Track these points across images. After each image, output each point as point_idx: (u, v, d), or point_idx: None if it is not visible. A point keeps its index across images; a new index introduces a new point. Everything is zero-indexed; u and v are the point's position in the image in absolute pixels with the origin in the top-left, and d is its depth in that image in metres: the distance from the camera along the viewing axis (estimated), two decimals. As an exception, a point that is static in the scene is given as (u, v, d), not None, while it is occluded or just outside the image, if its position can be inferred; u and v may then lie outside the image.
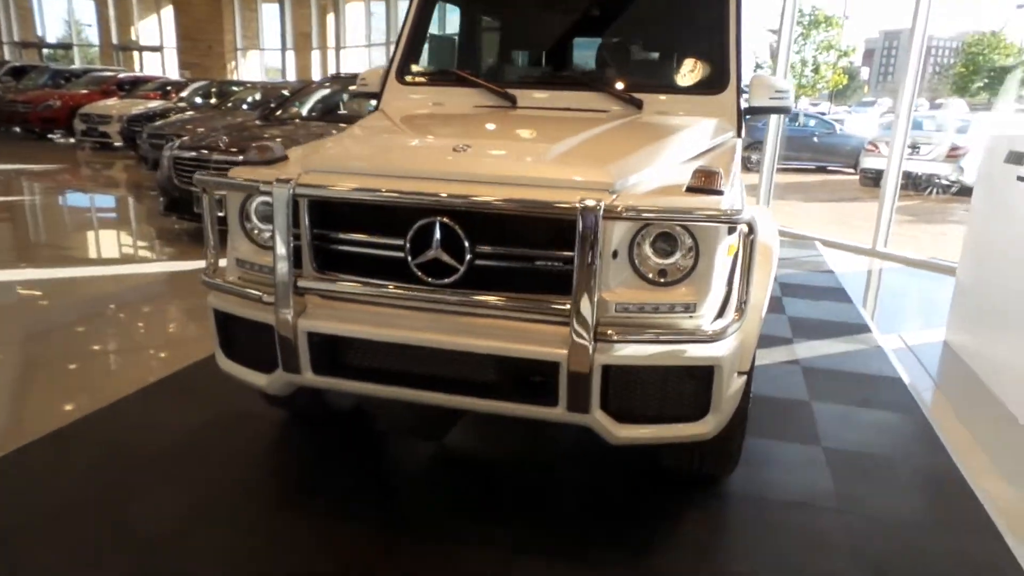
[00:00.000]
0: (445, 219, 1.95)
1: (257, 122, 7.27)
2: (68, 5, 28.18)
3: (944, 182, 11.26)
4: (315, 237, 2.09)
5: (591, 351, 1.85)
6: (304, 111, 7.68)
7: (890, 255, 6.33)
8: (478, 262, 1.97)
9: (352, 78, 9.00)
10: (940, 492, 2.53)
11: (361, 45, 20.34)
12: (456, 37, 3.69)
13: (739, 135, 2.87)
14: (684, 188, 1.97)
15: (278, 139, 6.22)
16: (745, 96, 2.98)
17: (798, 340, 4.06)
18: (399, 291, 2.00)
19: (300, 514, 2.26)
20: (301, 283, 2.06)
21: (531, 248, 1.96)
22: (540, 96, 3.00)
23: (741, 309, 1.92)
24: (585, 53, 3.53)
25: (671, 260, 1.94)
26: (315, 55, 21.52)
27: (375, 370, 2.08)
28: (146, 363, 3.52)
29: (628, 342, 1.87)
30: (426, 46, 3.40)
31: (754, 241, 1.88)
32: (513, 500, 2.37)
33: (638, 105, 2.88)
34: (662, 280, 1.94)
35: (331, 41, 21.13)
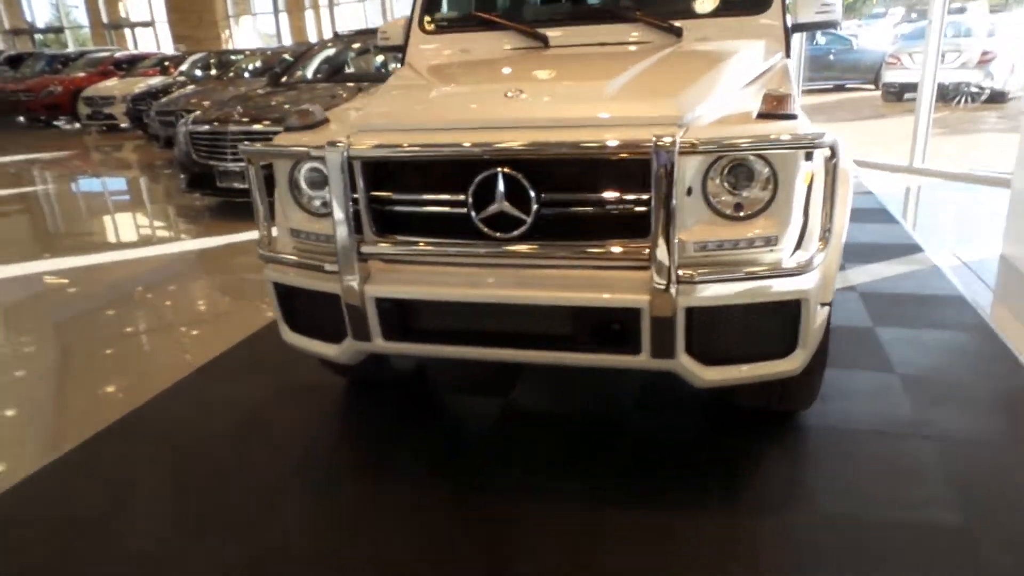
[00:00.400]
0: (507, 169, 1.87)
1: (266, 89, 7.13)
2: (54, -13, 27.65)
3: (974, 90, 10.88)
4: (373, 200, 2.02)
5: (674, 294, 1.78)
6: (309, 74, 7.53)
7: (930, 171, 6.14)
8: (545, 211, 1.89)
9: (354, 36, 8.82)
10: (1021, 410, 2.47)
11: (354, 0, 19.84)
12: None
13: (788, 55, 2.73)
14: (755, 115, 1.86)
15: (286, 105, 6.10)
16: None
17: (850, 265, 3.96)
18: (466, 248, 1.93)
19: (377, 480, 2.24)
20: (364, 249, 1.99)
21: (601, 192, 1.87)
22: (572, 32, 2.87)
23: (825, 238, 1.84)
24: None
25: (748, 192, 1.85)
26: (308, 15, 21.03)
27: (448, 331, 2.03)
28: (197, 343, 3.51)
29: (711, 282, 1.79)
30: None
31: (836, 166, 1.78)
32: (589, 453, 2.34)
33: (677, 33, 2.75)
34: (740, 214, 1.85)
35: (323, 0, 20.62)
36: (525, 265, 1.93)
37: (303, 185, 2.15)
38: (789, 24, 2.79)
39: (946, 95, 10.74)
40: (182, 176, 6.24)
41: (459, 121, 1.95)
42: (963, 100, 10.90)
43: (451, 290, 1.94)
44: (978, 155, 7.41)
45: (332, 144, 1.91)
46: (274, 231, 2.24)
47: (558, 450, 2.37)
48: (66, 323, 3.89)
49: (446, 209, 1.97)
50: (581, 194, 1.88)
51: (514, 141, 1.81)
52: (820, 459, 2.24)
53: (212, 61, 13.70)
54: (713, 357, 1.89)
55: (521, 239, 1.91)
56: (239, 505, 2.15)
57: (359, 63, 7.88)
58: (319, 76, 7.50)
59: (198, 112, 6.35)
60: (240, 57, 12.67)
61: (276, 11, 21.82)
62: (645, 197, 1.82)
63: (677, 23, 2.76)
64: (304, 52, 8.12)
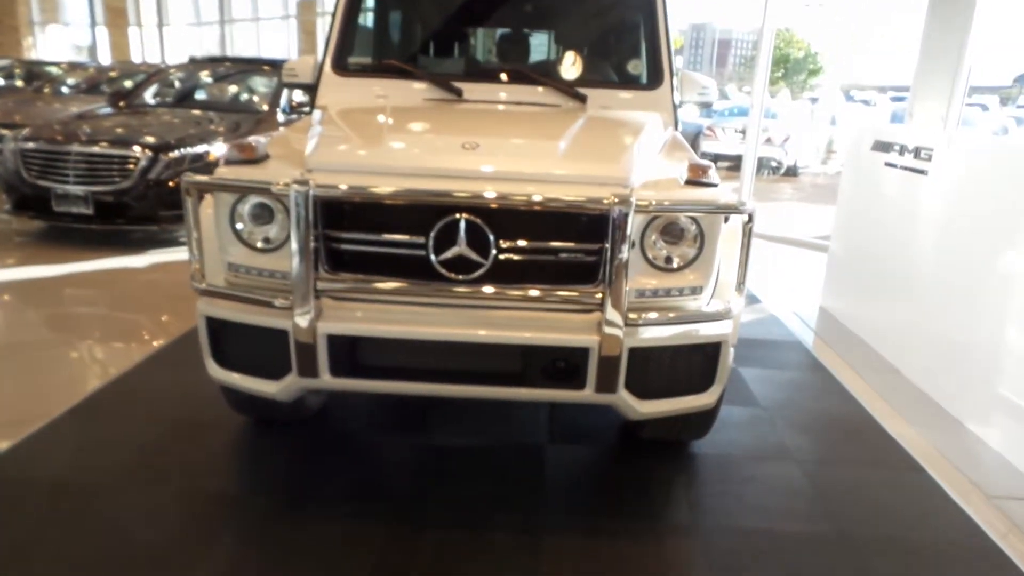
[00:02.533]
0: (469, 216, 1.99)
1: (109, 109, 6.60)
2: None
3: (774, 164, 12.63)
4: (329, 238, 2.04)
5: (621, 336, 1.98)
6: (149, 97, 7.09)
7: (756, 233, 7.01)
8: (502, 256, 2.03)
9: (211, 61, 8.43)
10: (862, 435, 2.96)
11: (191, 23, 18.80)
12: (380, 26, 3.64)
13: (676, 128, 3.11)
14: (682, 180, 2.15)
15: (132, 128, 5.73)
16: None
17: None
18: (423, 287, 2.01)
19: (304, 520, 2.20)
20: (319, 285, 2.00)
21: (555, 241, 2.05)
22: (484, 89, 3.07)
23: (740, 289, 2.15)
24: (517, 48, 3.63)
25: (679, 248, 2.11)
26: (132, 32, 19.57)
27: (399, 368, 2.08)
28: (59, 383, 3.17)
29: (652, 325, 2.02)
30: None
31: (751, 228, 2.11)
32: (512, 484, 2.46)
33: (582, 100, 3.04)
34: (672, 266, 2.11)
35: (149, 17, 19.33)
36: (480, 306, 2.05)
37: (246, 220, 2.12)
38: (677, 101, 3.19)
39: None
40: (6, 196, 5.57)
41: (422, 168, 2.04)
42: (767, 172, 12.60)
43: (410, 328, 2.01)
44: (783, 221, 8.58)
45: (299, 182, 1.92)
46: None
47: (482, 482, 2.46)
48: None
49: (404, 250, 2.05)
50: (537, 242, 2.04)
51: (482, 191, 1.94)
52: (723, 481, 2.53)
53: (17, 71, 12.34)
54: (648, 392, 2.11)
55: (478, 281, 2.03)
56: (153, 557, 2.01)
57: (211, 91, 7.55)
58: (163, 100, 7.08)
59: (28, 129, 5.73)
60: (57, 70, 11.52)
61: (93, 23, 20.08)
62: (596, 247, 2.03)
63: (581, 90, 3.05)
64: (153, 74, 7.62)
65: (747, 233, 2.10)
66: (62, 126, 5.74)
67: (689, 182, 2.14)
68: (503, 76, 3.13)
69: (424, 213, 2.00)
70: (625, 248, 1.94)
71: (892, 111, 13.56)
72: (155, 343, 3.64)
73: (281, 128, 5.98)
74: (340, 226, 2.05)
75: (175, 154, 5.45)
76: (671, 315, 2.05)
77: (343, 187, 1.95)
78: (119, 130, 5.70)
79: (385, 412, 2.93)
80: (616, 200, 1.92)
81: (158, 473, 2.42)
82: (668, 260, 2.11)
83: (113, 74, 10.66)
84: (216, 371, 2.18)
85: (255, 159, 2.14)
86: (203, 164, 5.49)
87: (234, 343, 2.14)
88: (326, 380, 2.05)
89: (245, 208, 2.11)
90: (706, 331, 2.10)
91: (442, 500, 2.35)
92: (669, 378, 2.14)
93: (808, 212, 9.86)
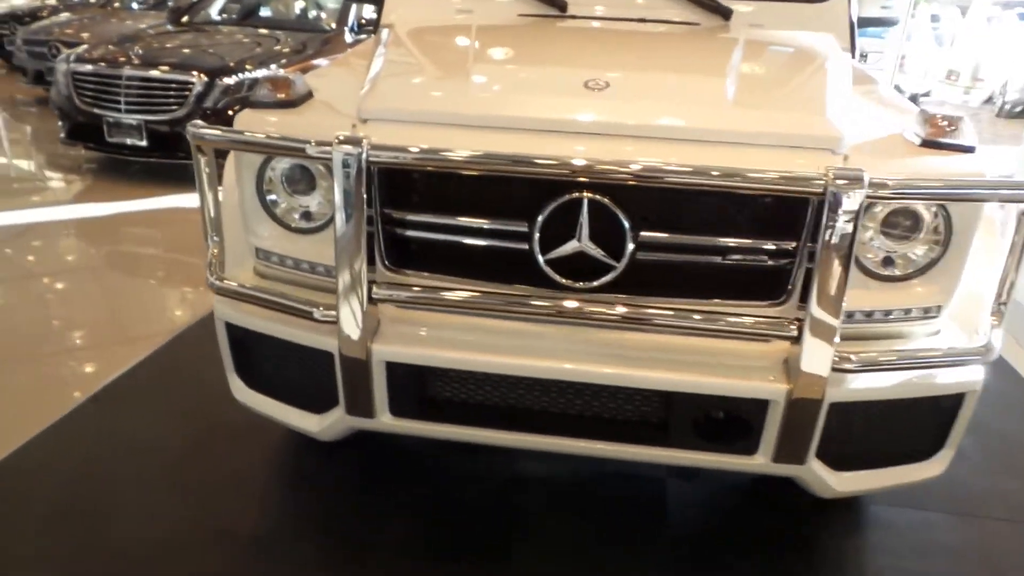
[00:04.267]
0: (596, 195, 1.32)
1: (166, 28, 6.07)
2: None
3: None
4: (390, 220, 1.42)
5: (826, 384, 1.31)
6: (215, 14, 6.53)
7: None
8: (642, 256, 1.36)
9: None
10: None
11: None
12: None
13: (855, 56, 2.30)
14: (918, 141, 1.41)
15: (187, 49, 5.18)
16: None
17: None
18: (525, 298, 1.37)
19: (365, 562, 1.67)
20: (375, 291, 1.39)
21: (723, 235, 1.36)
22: (598, 1, 2.32)
23: (1000, 312, 1.41)
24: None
25: (908, 247, 1.39)
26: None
27: (484, 411, 1.48)
28: (90, 356, 2.74)
29: (871, 369, 1.33)
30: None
31: (1028, 219, 1.36)
32: (627, 529, 1.87)
33: (725, 15, 2.26)
34: (893, 274, 1.40)
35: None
36: (605, 325, 1.39)
37: (279, 188, 1.51)
38: (854, 18, 2.36)
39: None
40: (60, 123, 5.17)
41: (526, 119, 1.37)
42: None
43: (504, 359, 1.39)
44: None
45: (347, 141, 1.29)
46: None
47: (583, 527, 1.88)
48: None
49: (498, 242, 1.40)
50: (695, 236, 1.36)
51: (621, 155, 1.27)
52: (913, 552, 1.86)
53: (91, -15, 11.97)
54: (848, 461, 1.45)
55: (605, 290, 1.37)
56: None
57: (277, 6, 6.93)
58: (229, 17, 6.51)
59: (83, 48, 5.27)
60: (127, -16, 11.09)
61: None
62: (787, 246, 1.33)
63: (725, 2, 2.26)
64: (212, -13, 7.02)
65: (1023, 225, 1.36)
66: (114, 46, 5.24)
67: (928, 143, 1.39)
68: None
69: (528, 188, 1.35)
70: (845, 249, 1.24)
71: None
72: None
73: (349, 51, 5.35)
74: (406, 204, 1.43)
75: (232, 80, 4.89)
76: (897, 354, 1.35)
77: (412, 150, 1.30)
78: (172, 52, 5.17)
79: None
80: (835, 177, 1.21)
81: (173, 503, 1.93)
82: (889, 264, 1.40)
83: (182, -12, 10.15)
84: (242, 393, 1.63)
85: (291, 101, 1.51)
86: (263, 91, 4.91)
87: (265, 360, 1.57)
88: (385, 421, 1.48)
89: (277, 171, 1.50)
90: (949, 379, 1.39)
91: (536, 546, 1.78)
92: (880, 441, 1.46)
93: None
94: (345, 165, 1.29)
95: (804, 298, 1.30)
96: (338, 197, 1.31)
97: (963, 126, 1.40)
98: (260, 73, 5.03)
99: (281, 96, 1.51)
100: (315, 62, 5.37)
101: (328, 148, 1.29)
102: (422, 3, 2.37)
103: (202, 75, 4.80)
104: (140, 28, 6.37)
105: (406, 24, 2.12)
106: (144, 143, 4.84)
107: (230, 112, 4.80)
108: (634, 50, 1.82)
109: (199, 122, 1.43)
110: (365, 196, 1.32)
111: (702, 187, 1.27)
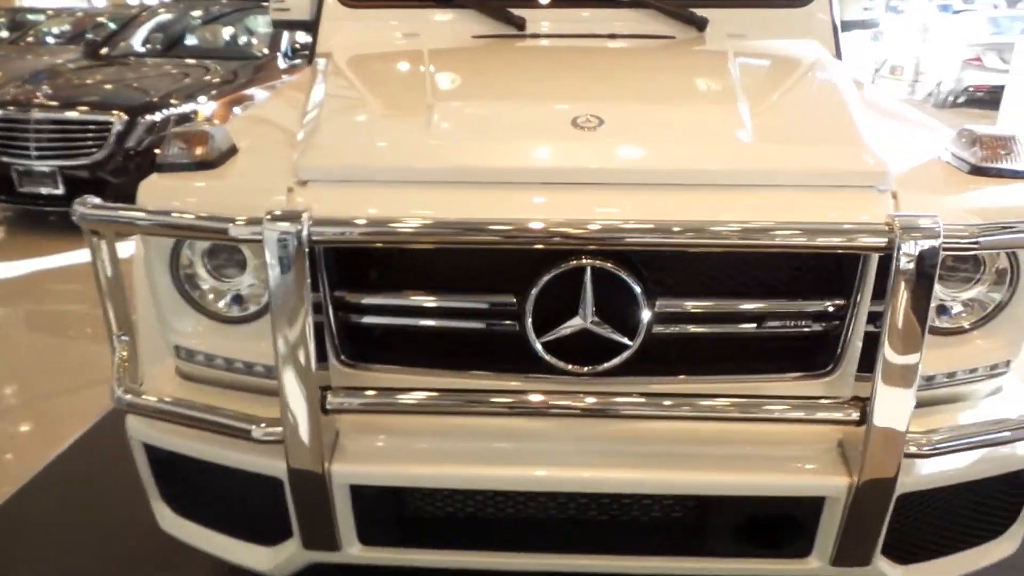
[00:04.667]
0: (603, 262, 1.06)
1: (81, 62, 5.64)
2: None
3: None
4: (343, 307, 1.13)
5: (897, 472, 1.07)
6: (137, 45, 6.12)
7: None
8: (660, 329, 1.11)
9: None
10: None
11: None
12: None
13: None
14: (967, 168, 1.19)
15: (108, 85, 4.78)
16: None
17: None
18: (522, 392, 1.10)
19: None
20: (330, 398, 1.10)
21: (758, 297, 1.12)
22: (554, 16, 2.08)
23: (1076, 363, 1.20)
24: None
25: (968, 294, 1.17)
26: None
27: (477, 530, 1.20)
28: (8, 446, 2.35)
29: (947, 450, 1.09)
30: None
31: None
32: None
33: (700, 26, 2.04)
34: (954, 326, 1.18)
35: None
36: (618, 415, 1.13)
37: (202, 267, 1.21)
38: (838, 21, 2.18)
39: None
40: (-36, 175, 4.70)
41: (507, 170, 1.11)
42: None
43: (497, 471, 1.11)
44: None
45: (280, 216, 1.00)
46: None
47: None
48: None
49: (479, 324, 1.13)
50: (724, 300, 1.11)
51: (630, 209, 1.02)
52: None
53: (2, 20, 11.31)
54: (914, 553, 1.21)
55: (616, 374, 1.11)
56: None
57: (204, 34, 6.54)
58: (153, 48, 6.10)
59: (-16, 89, 4.82)
60: (40, 18, 10.50)
61: (85, -36, 18.75)
62: (836, 305, 1.10)
63: (698, 11, 2.05)
64: (132, 18, 6.61)
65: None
66: (22, 86, 4.80)
67: (978, 169, 1.18)
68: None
69: (517, 256, 1.08)
70: (920, 312, 1.00)
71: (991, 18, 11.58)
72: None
73: (283, 82, 5.00)
74: (363, 284, 1.14)
75: (157, 116, 4.51)
76: (977, 429, 1.12)
77: (361, 223, 1.02)
78: (89, 88, 4.75)
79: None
80: (903, 227, 0.97)
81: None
82: (943, 313, 1.18)
83: (102, 19, 9.64)
84: (171, 523, 1.31)
85: (210, 161, 1.21)
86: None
87: (197, 486, 1.26)
88: (354, 553, 1.18)
89: (197, 247, 1.20)
90: (1020, 450, 1.17)
91: None
92: (949, 525, 1.23)
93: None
94: (282, 246, 1.00)
95: (864, 367, 1.07)
96: (273, 285, 1.02)
97: (1017, 147, 1.19)
98: (188, 108, 4.67)
99: (198, 154, 1.21)
100: (247, 91, 5.04)
101: (258, 228, 1.00)
102: (362, 28, 2.09)
103: (122, 113, 4.41)
104: (55, 64, 5.92)
105: (346, 52, 1.83)
106: (60, 191, 4.40)
107: (155, 151, 4.42)
108: (619, 75, 1.57)
109: (89, 198, 1.12)
110: (309, 280, 1.03)
111: (743, 249, 1.02)
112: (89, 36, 8.26)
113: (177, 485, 1.27)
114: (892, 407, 1.02)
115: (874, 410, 1.03)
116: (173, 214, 1.06)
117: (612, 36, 2.01)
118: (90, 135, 4.41)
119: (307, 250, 1.00)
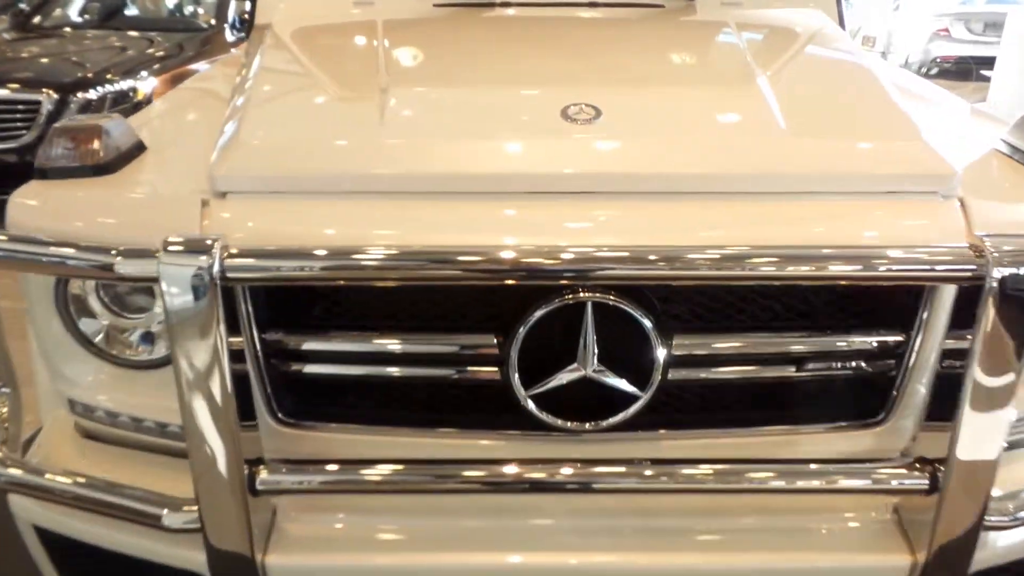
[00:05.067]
0: (604, 295, 0.83)
1: (10, 34, 5.19)
2: None
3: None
4: (277, 352, 0.89)
5: (975, 548, 0.87)
6: (74, 15, 5.70)
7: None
8: (676, 374, 0.89)
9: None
10: None
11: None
12: None
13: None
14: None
15: (39, 59, 4.41)
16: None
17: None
18: (507, 463, 0.88)
19: None
20: (263, 477, 0.86)
21: (795, 331, 0.90)
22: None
23: None
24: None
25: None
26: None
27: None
28: None
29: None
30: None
31: None
32: None
33: (688, -7, 1.81)
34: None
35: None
36: (624, 487, 0.91)
37: (96, 302, 0.95)
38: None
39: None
40: None
41: (482, 177, 0.87)
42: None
43: (478, 557, 0.89)
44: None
45: (182, 247, 0.74)
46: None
47: None
48: None
49: (452, 372, 0.90)
50: (753, 337, 0.90)
51: (639, 224, 0.81)
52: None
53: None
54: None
55: (623, 429, 0.89)
56: None
57: (146, 3, 6.13)
58: (88, 18, 5.67)
59: None
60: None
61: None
62: (895, 341, 0.89)
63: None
64: (65, -16, 6.12)
65: None
66: (-63, 62, 4.37)
67: None
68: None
69: (499, 289, 0.85)
70: (1011, 351, 0.80)
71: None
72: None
73: (217, 61, 4.64)
74: (302, 322, 0.90)
75: (93, 94, 4.13)
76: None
77: (290, 255, 0.77)
78: (15, 64, 4.36)
79: None
80: (998, 251, 0.76)
81: None
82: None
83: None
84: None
85: (104, 164, 0.94)
86: (131, 105, 4.19)
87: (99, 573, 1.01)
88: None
89: (88, 284, 0.94)
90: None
91: None
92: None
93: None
94: (184, 288, 0.74)
95: (934, 416, 0.87)
96: (175, 334, 0.77)
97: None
98: (126, 84, 4.30)
99: (90, 155, 0.94)
100: (193, 67, 4.68)
101: (151, 263, 0.74)
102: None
103: (52, 92, 4.02)
104: (-19, 36, 5.45)
105: (288, 25, 1.55)
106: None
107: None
108: (612, 53, 1.32)
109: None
110: (223, 327, 0.78)
111: (789, 282, 0.80)
112: (20, 5, 7.70)
113: (72, 570, 1.02)
114: (975, 471, 0.82)
115: (951, 475, 0.83)
116: (35, 244, 0.80)
117: (593, 4, 1.76)
118: (18, 116, 4.03)
119: (220, 288, 0.76)
